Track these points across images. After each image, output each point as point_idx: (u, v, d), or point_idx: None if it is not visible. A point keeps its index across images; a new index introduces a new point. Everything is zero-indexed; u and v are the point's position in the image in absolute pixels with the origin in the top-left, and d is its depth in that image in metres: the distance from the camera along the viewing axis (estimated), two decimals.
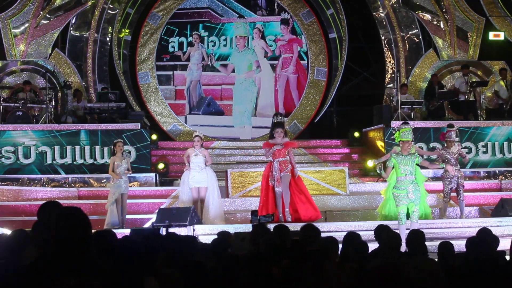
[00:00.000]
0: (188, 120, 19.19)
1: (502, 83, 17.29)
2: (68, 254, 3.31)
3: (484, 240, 5.69)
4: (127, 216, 12.44)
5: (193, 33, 19.37)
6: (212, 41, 19.44)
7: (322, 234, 6.33)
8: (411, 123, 15.70)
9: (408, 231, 7.03)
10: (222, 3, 19.67)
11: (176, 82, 19.43)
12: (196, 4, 19.68)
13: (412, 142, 10.98)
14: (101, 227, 11.60)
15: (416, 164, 10.88)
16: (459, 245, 9.86)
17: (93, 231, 3.56)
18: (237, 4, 19.66)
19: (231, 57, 19.60)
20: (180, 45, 19.37)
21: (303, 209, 11.87)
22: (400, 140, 10.86)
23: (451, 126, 12.76)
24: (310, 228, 6.36)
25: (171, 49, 19.37)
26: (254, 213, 11.97)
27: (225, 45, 19.51)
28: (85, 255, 3.36)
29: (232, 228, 9.59)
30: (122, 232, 10.35)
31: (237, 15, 19.68)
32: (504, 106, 17.07)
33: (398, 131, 11.01)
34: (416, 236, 6.03)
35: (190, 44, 19.41)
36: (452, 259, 5.68)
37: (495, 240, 6.09)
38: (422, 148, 15.02)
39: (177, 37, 19.34)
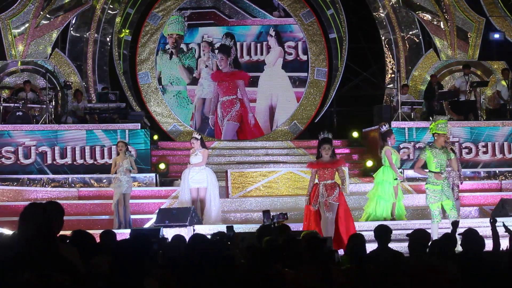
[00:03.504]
0: None
1: (503, 83, 17.28)
2: (31, 251, 3.36)
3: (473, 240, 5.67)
4: None
5: (202, 40, 18.58)
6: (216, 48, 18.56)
7: None
8: (410, 123, 15.86)
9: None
10: (231, 2, 18.79)
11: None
12: (200, 3, 18.76)
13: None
14: (102, 227, 11.61)
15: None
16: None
17: (95, 232, 3.57)
18: (249, 3, 18.84)
19: (157, 64, 18.34)
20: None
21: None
22: (435, 132, 10.15)
23: None
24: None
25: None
26: (265, 213, 11.73)
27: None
28: (49, 251, 3.39)
29: None
30: (123, 232, 10.38)
31: (250, 16, 18.68)
32: (508, 106, 17.03)
33: (433, 122, 10.26)
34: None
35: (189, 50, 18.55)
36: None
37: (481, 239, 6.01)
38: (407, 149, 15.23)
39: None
